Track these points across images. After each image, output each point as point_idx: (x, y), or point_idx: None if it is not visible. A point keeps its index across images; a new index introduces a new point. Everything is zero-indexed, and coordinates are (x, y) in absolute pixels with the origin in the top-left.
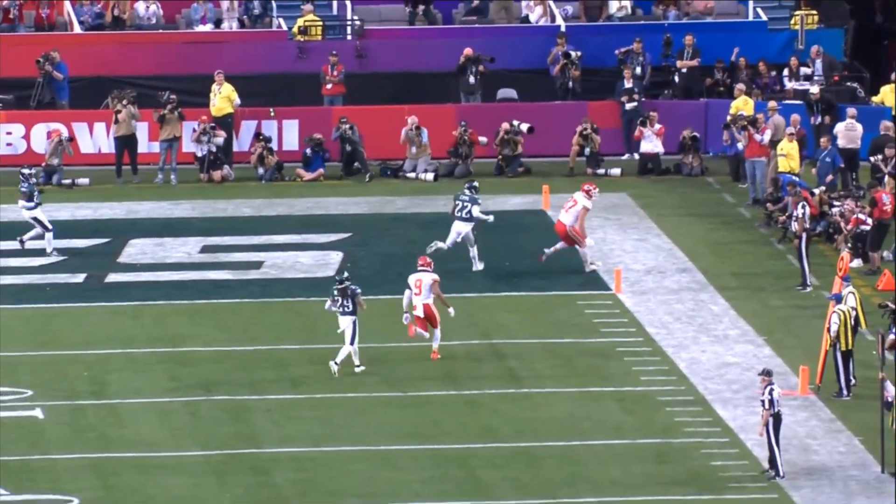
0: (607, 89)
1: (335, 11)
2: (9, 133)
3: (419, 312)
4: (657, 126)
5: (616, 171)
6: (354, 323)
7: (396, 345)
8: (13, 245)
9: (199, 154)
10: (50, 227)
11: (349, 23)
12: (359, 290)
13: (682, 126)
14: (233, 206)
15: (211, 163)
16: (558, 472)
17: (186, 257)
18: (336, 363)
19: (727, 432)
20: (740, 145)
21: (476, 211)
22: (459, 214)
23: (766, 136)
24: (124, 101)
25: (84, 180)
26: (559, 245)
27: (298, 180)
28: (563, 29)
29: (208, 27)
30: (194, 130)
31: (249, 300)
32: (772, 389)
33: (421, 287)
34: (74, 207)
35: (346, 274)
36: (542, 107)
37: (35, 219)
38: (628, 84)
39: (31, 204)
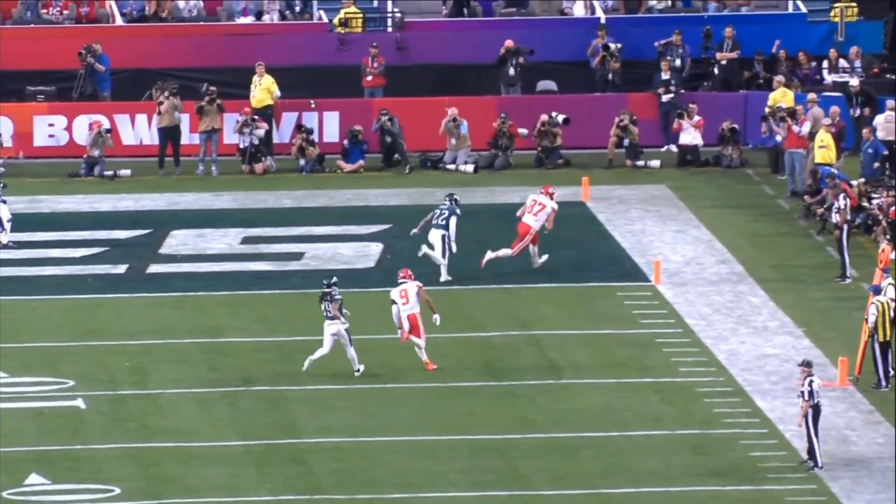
0: (647, 81)
1: (375, 3)
2: (51, 125)
3: (405, 325)
4: (696, 118)
5: (655, 162)
6: (346, 329)
7: (435, 336)
8: (55, 236)
9: (242, 146)
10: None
11: (390, 15)
12: (338, 297)
13: (722, 118)
14: (273, 197)
15: (252, 155)
16: (596, 462)
17: (227, 248)
18: (311, 360)
19: (766, 423)
20: (779, 137)
21: (453, 223)
22: (436, 222)
23: (805, 128)
24: (167, 93)
25: (126, 171)
26: (502, 251)
27: (339, 172)
28: (603, 21)
29: (249, 19)
30: (237, 122)
31: (290, 291)
32: (811, 380)
33: (408, 297)
34: (116, 199)
35: (334, 279)
36: (581, 98)
37: None
38: (665, 76)
39: None
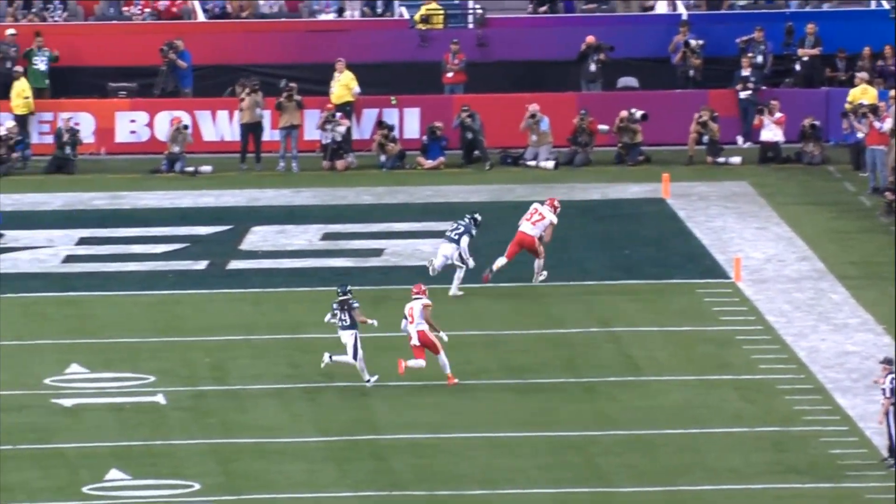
0: (728, 78)
1: (457, 0)
2: (132, 121)
3: (415, 341)
4: (777, 115)
5: (736, 159)
6: (356, 336)
7: (514, 332)
8: (136, 232)
9: (324, 142)
10: None
11: (471, 11)
12: (357, 305)
13: (803, 115)
14: (354, 193)
15: (334, 151)
16: (676, 459)
17: (307, 245)
18: (330, 357)
19: (846, 421)
20: (860, 134)
21: (465, 241)
22: (449, 235)
23: (887, 125)
24: (248, 89)
25: (207, 168)
26: (502, 262)
27: (419, 168)
28: (685, 17)
29: (331, 16)
30: (319, 118)
31: (370, 287)
32: (893, 378)
33: (413, 314)
34: (197, 195)
35: (347, 287)
36: (661, 95)
37: None
38: (746, 72)
39: None
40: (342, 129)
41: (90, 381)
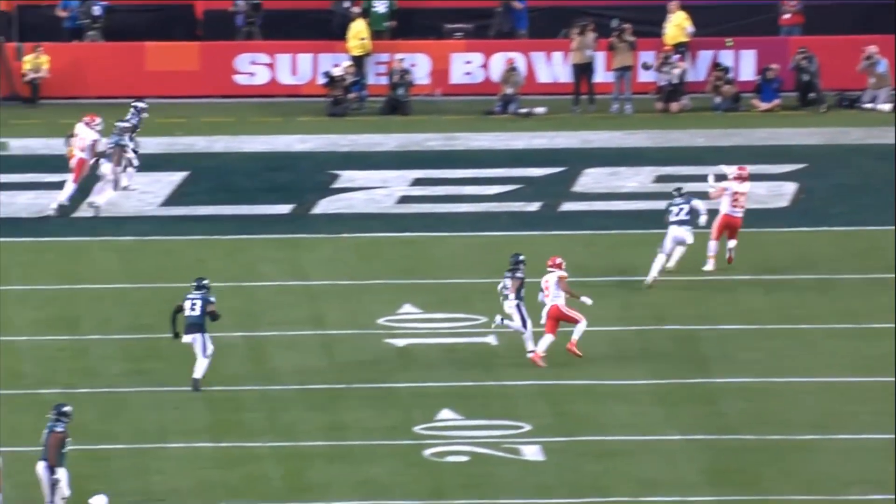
0: None
1: None
2: (468, 62)
3: (547, 316)
4: None
5: None
6: (519, 307)
7: (846, 277)
8: (470, 173)
9: (660, 83)
10: None
11: None
12: (521, 276)
13: None
14: (687, 136)
15: (670, 93)
16: None
17: (640, 187)
18: (501, 320)
19: None
20: None
21: (698, 203)
22: (676, 218)
23: None
24: (580, 31)
25: (541, 109)
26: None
27: (754, 111)
28: None
29: None
30: (655, 59)
31: (698, 231)
32: None
33: (549, 288)
34: (530, 136)
35: (521, 257)
36: None
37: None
38: None
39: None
40: (678, 70)
41: (423, 321)
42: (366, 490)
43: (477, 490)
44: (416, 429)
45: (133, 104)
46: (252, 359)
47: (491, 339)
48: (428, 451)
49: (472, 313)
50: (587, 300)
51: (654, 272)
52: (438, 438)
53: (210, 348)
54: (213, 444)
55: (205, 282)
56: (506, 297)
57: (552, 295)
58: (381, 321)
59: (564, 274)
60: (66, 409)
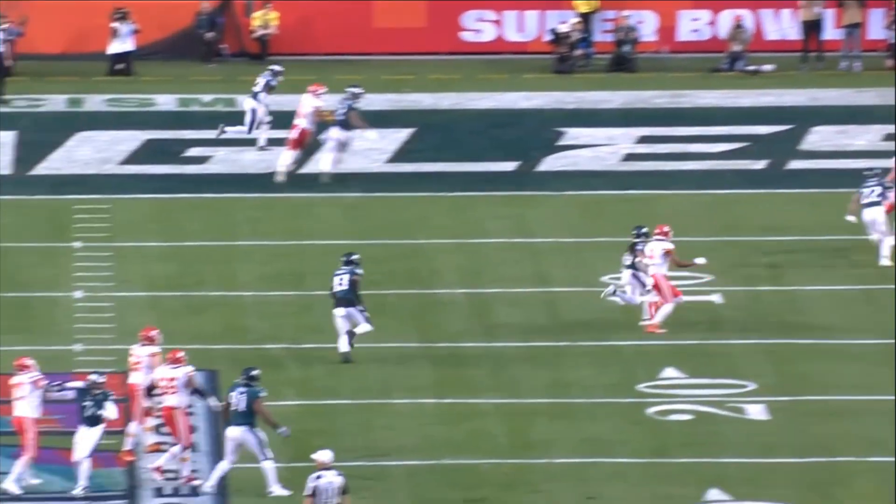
0: None
1: None
2: (695, 19)
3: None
4: None
5: None
6: (637, 277)
7: None
8: (695, 131)
9: (891, 41)
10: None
11: None
12: (641, 248)
13: None
14: None
15: None
16: None
17: (869, 145)
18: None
19: None
20: None
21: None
22: (867, 201)
23: None
24: None
25: (768, 66)
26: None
27: None
28: None
29: None
30: (886, 17)
31: None
32: None
33: (654, 257)
34: (757, 94)
35: (644, 229)
36: None
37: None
38: None
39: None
40: None
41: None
42: (588, 448)
43: (700, 449)
44: (640, 387)
45: (270, 67)
46: (475, 315)
47: (715, 298)
48: (651, 410)
49: (696, 271)
50: (701, 260)
51: (884, 251)
52: (662, 397)
53: (363, 324)
54: (437, 401)
55: (354, 257)
56: (633, 267)
57: (656, 264)
58: (604, 279)
59: (671, 247)
60: (255, 372)
